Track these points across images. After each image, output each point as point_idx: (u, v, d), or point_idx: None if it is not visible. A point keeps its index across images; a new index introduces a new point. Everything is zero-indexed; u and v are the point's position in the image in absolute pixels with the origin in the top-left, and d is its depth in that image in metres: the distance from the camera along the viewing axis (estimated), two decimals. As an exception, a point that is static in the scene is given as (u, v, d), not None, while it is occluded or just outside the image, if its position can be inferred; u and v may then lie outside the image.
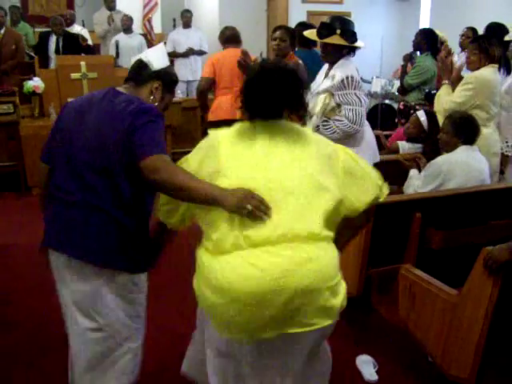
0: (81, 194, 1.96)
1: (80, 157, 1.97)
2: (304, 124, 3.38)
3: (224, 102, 4.69)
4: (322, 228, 1.74)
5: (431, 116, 4.02)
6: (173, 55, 7.78)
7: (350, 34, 3.25)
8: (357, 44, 3.30)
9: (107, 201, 1.95)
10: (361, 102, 3.23)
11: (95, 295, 2.05)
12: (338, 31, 3.21)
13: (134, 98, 2.02)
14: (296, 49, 4.69)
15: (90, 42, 7.75)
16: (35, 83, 5.82)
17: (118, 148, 1.91)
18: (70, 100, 2.25)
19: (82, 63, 6.10)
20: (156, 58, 2.14)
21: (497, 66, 3.81)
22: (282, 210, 1.70)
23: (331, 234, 1.80)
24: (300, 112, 1.97)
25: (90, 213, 1.96)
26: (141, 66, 2.12)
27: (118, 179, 1.94)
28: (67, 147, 2.01)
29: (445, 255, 2.85)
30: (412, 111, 4.38)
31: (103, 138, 1.94)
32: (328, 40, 3.25)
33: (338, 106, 3.27)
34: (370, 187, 1.94)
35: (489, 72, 3.78)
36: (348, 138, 3.26)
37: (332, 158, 1.87)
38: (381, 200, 2.00)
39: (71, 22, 7.92)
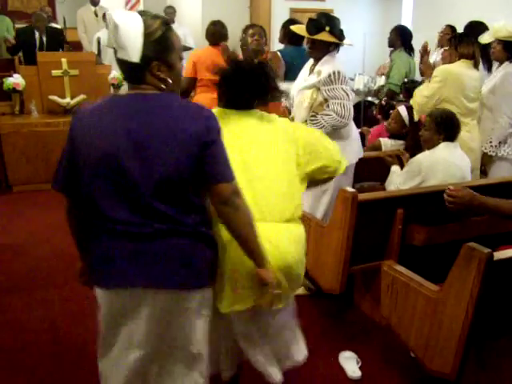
0: (155, 224, 1.69)
1: (142, 183, 1.65)
2: (292, 120, 3.39)
3: (203, 99, 4.70)
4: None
5: (412, 111, 4.07)
6: None
7: (338, 32, 3.28)
8: (345, 42, 3.34)
9: (186, 220, 1.73)
10: (348, 96, 3.25)
11: (187, 322, 1.83)
12: (327, 28, 3.23)
13: (184, 102, 1.77)
14: (284, 46, 4.76)
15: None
16: (15, 80, 5.76)
17: (189, 165, 1.67)
18: (80, 119, 1.75)
19: (63, 60, 6.04)
20: (128, 46, 1.66)
21: (469, 62, 3.86)
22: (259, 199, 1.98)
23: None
24: (271, 99, 2.19)
25: (177, 239, 1.73)
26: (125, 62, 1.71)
27: (188, 195, 1.73)
28: (116, 174, 1.66)
29: (427, 251, 2.87)
30: (391, 111, 4.43)
31: (169, 157, 1.65)
32: (318, 36, 3.26)
33: (325, 100, 3.28)
34: (329, 161, 2.27)
35: (456, 66, 3.87)
36: (334, 133, 3.29)
37: (295, 139, 2.17)
38: (341, 172, 2.35)
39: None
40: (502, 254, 2.17)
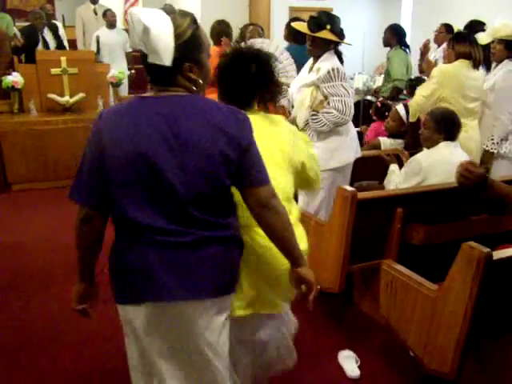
0: (193, 231, 1.61)
1: (181, 190, 1.57)
2: (293, 121, 3.39)
3: None
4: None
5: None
6: None
7: (339, 30, 3.29)
8: (344, 41, 3.35)
9: (224, 226, 1.68)
10: (348, 92, 3.26)
11: (217, 330, 1.75)
12: (328, 26, 3.24)
13: (216, 103, 1.70)
14: (288, 44, 4.77)
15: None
16: (14, 78, 5.75)
17: (229, 170, 1.61)
18: (106, 125, 1.63)
19: (63, 58, 6.03)
20: (160, 50, 1.56)
21: (467, 61, 3.85)
22: None
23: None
24: (271, 96, 2.08)
25: (216, 247, 1.66)
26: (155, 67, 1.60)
27: (225, 200, 1.69)
28: (152, 181, 1.57)
29: (426, 250, 2.87)
30: (387, 112, 4.45)
31: (209, 163, 1.58)
32: (319, 34, 3.26)
33: (325, 98, 3.28)
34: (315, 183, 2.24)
35: (453, 66, 3.86)
36: (333, 131, 3.29)
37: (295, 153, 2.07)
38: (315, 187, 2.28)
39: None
40: (500, 254, 2.16)
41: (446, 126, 3.20)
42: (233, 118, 1.62)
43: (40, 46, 6.87)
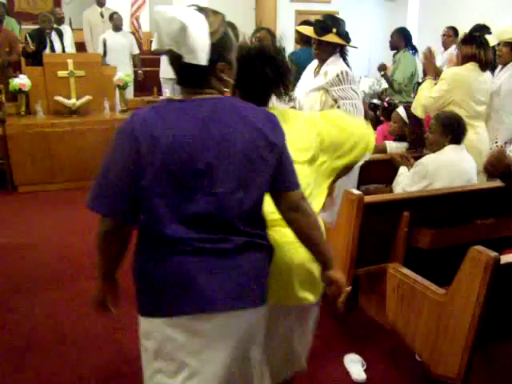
0: (233, 238, 1.55)
1: (223, 198, 1.52)
2: None
3: None
4: None
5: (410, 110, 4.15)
6: (156, 52, 7.72)
7: (345, 33, 3.29)
8: (351, 44, 3.35)
9: (260, 231, 1.65)
10: (358, 95, 3.28)
11: (259, 336, 1.72)
12: (334, 30, 3.25)
13: (250, 105, 1.63)
14: (300, 47, 4.76)
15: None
16: (21, 81, 5.77)
17: (270, 175, 1.59)
18: (144, 129, 1.49)
19: (69, 61, 6.06)
20: (198, 49, 1.50)
21: (475, 64, 3.83)
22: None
23: None
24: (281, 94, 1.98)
25: (255, 253, 1.62)
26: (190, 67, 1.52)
27: (262, 205, 1.65)
28: (194, 187, 1.49)
29: (433, 254, 2.86)
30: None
31: (251, 168, 1.53)
32: (325, 38, 3.27)
33: (335, 101, 3.29)
34: (358, 154, 2.17)
35: (462, 69, 3.84)
36: None
37: (311, 131, 2.02)
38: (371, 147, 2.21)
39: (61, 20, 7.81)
40: (508, 258, 2.16)
41: (452, 129, 3.19)
42: (268, 121, 1.58)
43: (47, 50, 6.89)
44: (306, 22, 4.86)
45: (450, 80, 3.81)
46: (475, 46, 3.83)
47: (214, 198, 1.50)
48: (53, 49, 6.86)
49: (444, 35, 5.95)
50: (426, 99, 3.87)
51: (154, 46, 1.57)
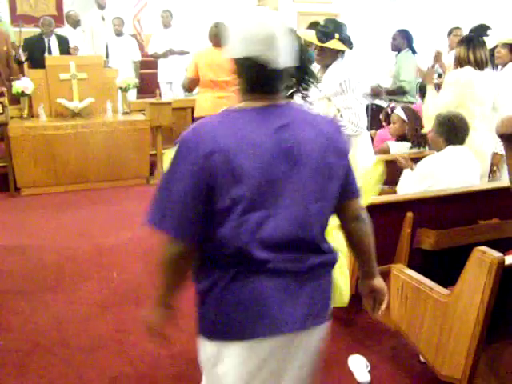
0: (309, 256, 1.50)
1: (302, 213, 1.46)
2: None
3: (205, 99, 4.83)
4: None
5: (408, 109, 4.26)
6: (154, 56, 7.74)
7: (347, 38, 3.30)
8: (354, 49, 3.36)
9: (329, 247, 1.58)
10: (360, 103, 3.30)
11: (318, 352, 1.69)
12: (337, 35, 3.24)
13: (315, 112, 1.60)
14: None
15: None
16: (24, 84, 5.78)
17: (339, 184, 1.53)
18: (214, 143, 1.39)
19: (72, 63, 6.06)
20: (291, 51, 1.45)
21: (469, 66, 3.82)
22: None
23: None
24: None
25: (326, 268, 1.58)
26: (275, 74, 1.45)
27: (331, 215, 1.60)
28: (272, 205, 1.41)
29: (436, 255, 2.86)
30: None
31: (326, 178, 1.48)
32: (328, 44, 3.25)
33: (338, 110, 3.30)
34: None
35: (459, 71, 3.85)
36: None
37: None
38: None
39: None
40: (512, 259, 2.15)
41: (446, 129, 3.21)
42: (335, 129, 1.53)
43: (45, 53, 6.91)
44: (315, 24, 4.86)
45: (453, 82, 3.81)
46: (466, 48, 3.81)
47: (295, 215, 1.44)
48: (50, 53, 6.86)
49: (452, 35, 5.97)
50: (435, 107, 3.82)
51: (234, 53, 1.45)
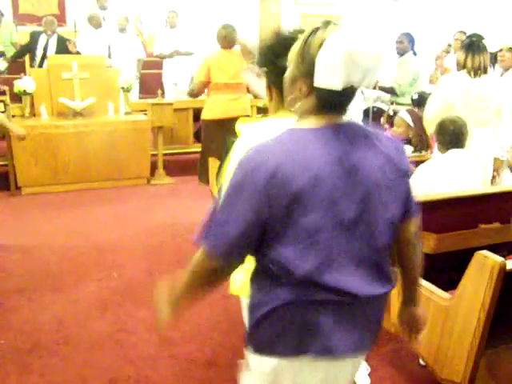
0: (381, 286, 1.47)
1: (371, 241, 1.41)
2: None
3: (217, 101, 4.81)
4: None
5: (414, 113, 4.24)
6: (160, 56, 7.75)
7: None
8: None
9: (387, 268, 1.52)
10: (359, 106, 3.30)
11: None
12: None
13: (372, 129, 1.52)
14: None
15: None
16: (26, 82, 5.79)
17: (401, 204, 1.49)
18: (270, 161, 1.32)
19: (74, 63, 6.06)
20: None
21: (463, 70, 3.82)
22: None
23: None
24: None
25: (384, 300, 1.54)
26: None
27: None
28: (343, 233, 1.36)
29: (437, 259, 2.86)
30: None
31: (387, 201, 1.43)
32: None
33: None
34: None
35: (452, 76, 3.91)
36: None
37: None
38: None
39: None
40: (514, 263, 2.16)
41: (438, 133, 3.24)
42: (394, 147, 1.47)
43: (40, 51, 6.93)
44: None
45: (443, 87, 3.83)
46: (465, 54, 3.81)
47: (361, 236, 1.39)
48: (45, 53, 6.87)
49: (456, 39, 6.02)
50: (428, 112, 3.86)
51: (329, 84, 1.32)
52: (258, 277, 1.47)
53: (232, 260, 1.41)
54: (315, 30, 1.38)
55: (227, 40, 4.88)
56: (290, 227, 1.34)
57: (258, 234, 1.36)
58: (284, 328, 1.42)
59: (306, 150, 1.33)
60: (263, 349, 1.48)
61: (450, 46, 6.35)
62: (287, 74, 1.44)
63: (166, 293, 1.55)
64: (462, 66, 3.83)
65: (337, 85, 1.31)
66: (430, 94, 4.38)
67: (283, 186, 1.30)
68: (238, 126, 1.93)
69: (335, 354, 1.43)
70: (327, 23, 1.41)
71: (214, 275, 1.44)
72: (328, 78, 1.32)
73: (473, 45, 3.83)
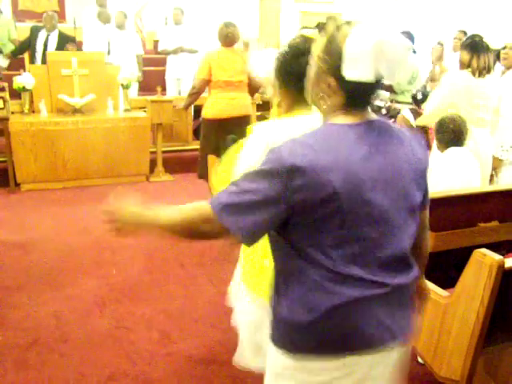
0: (410, 275, 1.49)
1: (399, 234, 1.44)
2: None
3: (218, 100, 4.79)
4: None
5: (416, 112, 4.17)
6: (164, 53, 7.74)
7: None
8: None
9: (414, 265, 1.55)
10: None
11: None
12: None
13: (401, 128, 1.55)
14: None
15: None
16: (25, 79, 5.78)
17: (422, 196, 1.52)
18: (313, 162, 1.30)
19: (73, 59, 6.06)
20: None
21: (467, 70, 3.82)
22: None
23: None
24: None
25: (412, 287, 1.56)
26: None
27: None
28: (372, 230, 1.38)
29: (436, 257, 2.86)
30: (394, 119, 4.50)
31: (412, 195, 1.45)
32: None
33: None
34: None
35: (456, 74, 3.88)
36: None
37: None
38: None
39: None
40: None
41: (437, 131, 3.24)
42: (416, 142, 1.51)
43: (41, 46, 6.91)
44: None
45: (447, 85, 3.82)
46: (470, 53, 3.81)
47: (398, 230, 1.42)
48: (45, 49, 6.86)
49: (455, 38, 6.02)
50: (428, 107, 3.89)
51: (358, 75, 1.32)
52: (299, 278, 1.41)
53: (236, 228, 1.34)
54: (339, 26, 1.40)
55: (229, 38, 4.86)
56: (327, 222, 1.33)
57: (271, 218, 1.33)
58: (339, 326, 1.40)
59: (342, 145, 1.34)
60: (312, 351, 1.42)
61: (440, 44, 6.34)
62: (311, 73, 1.45)
63: (135, 209, 1.54)
64: (466, 66, 3.82)
65: (368, 76, 1.31)
66: (430, 92, 4.39)
67: (318, 181, 1.29)
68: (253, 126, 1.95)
69: (380, 345, 1.42)
70: (333, 19, 1.46)
71: (209, 233, 1.40)
72: (359, 70, 1.31)
73: (478, 45, 3.82)
